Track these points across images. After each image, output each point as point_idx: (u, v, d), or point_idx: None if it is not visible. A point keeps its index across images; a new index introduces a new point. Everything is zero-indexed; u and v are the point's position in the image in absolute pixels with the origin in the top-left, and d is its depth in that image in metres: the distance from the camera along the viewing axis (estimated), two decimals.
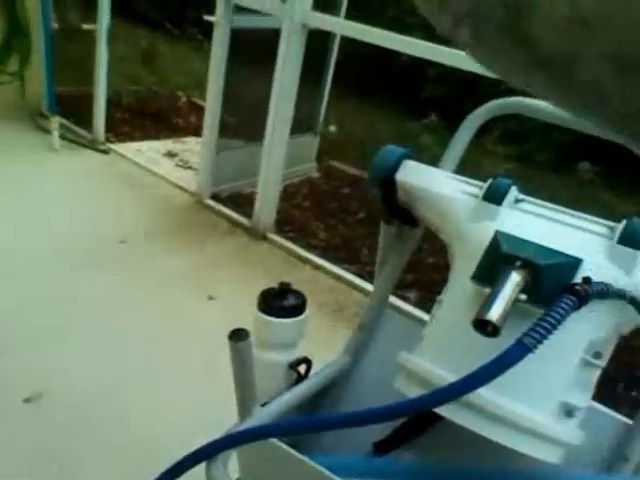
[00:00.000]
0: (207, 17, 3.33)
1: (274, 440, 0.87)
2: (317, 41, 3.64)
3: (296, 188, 4.17)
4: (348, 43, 2.95)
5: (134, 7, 6.91)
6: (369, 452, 1.07)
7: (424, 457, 1.02)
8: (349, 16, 3.87)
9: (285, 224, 3.57)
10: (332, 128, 5.05)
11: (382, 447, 1.07)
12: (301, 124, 3.90)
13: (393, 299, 2.94)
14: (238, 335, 0.87)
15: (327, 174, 4.49)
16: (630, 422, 0.99)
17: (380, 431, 1.05)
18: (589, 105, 0.36)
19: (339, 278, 3.10)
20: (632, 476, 0.96)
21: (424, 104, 5.61)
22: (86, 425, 1.93)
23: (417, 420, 1.03)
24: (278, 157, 3.29)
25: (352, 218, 3.86)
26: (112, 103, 4.45)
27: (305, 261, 3.22)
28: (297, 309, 1.06)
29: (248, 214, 3.45)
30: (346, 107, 5.59)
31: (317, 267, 3.17)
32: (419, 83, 5.96)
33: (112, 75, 4.19)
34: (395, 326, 1.16)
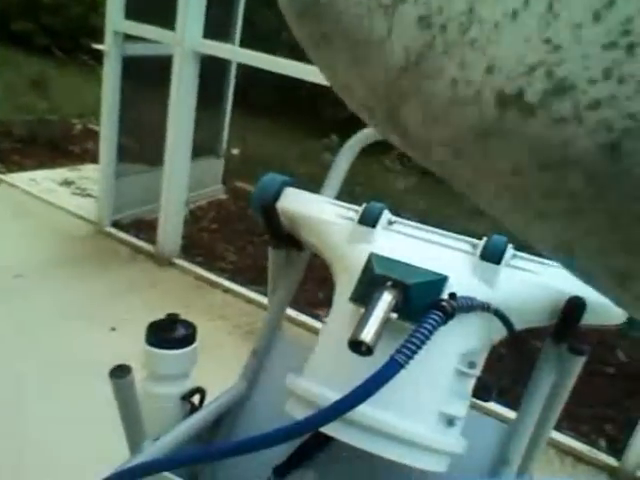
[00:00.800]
0: (96, 45, 3.25)
1: (167, 474, 0.86)
2: (214, 66, 3.64)
3: (203, 211, 4.13)
4: (251, 66, 2.97)
5: (20, 32, 6.65)
6: (269, 477, 1.07)
7: (323, 476, 1.04)
8: (245, 41, 3.91)
9: (193, 248, 3.52)
10: (234, 151, 5.05)
11: (282, 471, 1.07)
12: (203, 147, 3.88)
13: (306, 318, 2.98)
14: (119, 371, 0.85)
15: (234, 195, 4.48)
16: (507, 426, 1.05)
17: (280, 455, 1.05)
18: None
19: (250, 300, 3.09)
20: (514, 478, 1.01)
21: (325, 125, 5.75)
22: None
23: (312, 441, 1.04)
24: (180, 181, 3.25)
25: (260, 239, 3.86)
26: (1, 133, 4.25)
27: (214, 285, 3.19)
28: (186, 339, 1.06)
29: (152, 240, 3.38)
30: (253, 129, 5.63)
31: (227, 290, 3.15)
32: (321, 105, 6.10)
33: (1, 104, 4.01)
34: (288, 350, 1.17)
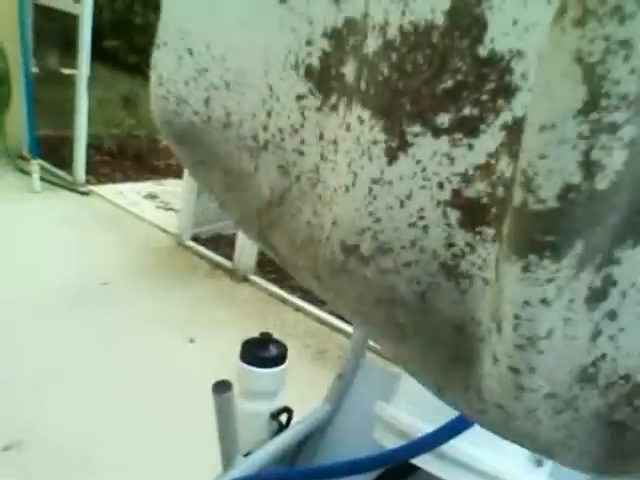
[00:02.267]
0: None
1: None
2: None
3: None
4: None
5: (112, 50, 7.00)
6: None
7: None
8: None
9: (267, 265, 3.60)
10: None
11: None
12: None
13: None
14: (221, 387, 0.90)
15: None
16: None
17: None
18: None
19: (321, 320, 3.12)
20: None
21: None
22: (64, 474, 1.91)
23: (396, 469, 1.06)
24: None
25: None
26: (93, 146, 4.49)
27: (286, 303, 3.24)
28: (278, 359, 1.09)
29: (229, 256, 3.48)
30: None
31: (298, 309, 3.20)
32: None
33: (92, 119, 4.24)
34: (374, 375, 1.19)
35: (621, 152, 0.22)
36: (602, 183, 0.23)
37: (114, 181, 4.47)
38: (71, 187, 4.12)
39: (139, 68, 6.55)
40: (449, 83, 0.29)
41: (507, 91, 0.28)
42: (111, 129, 5.25)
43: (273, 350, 1.09)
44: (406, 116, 0.31)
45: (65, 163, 4.25)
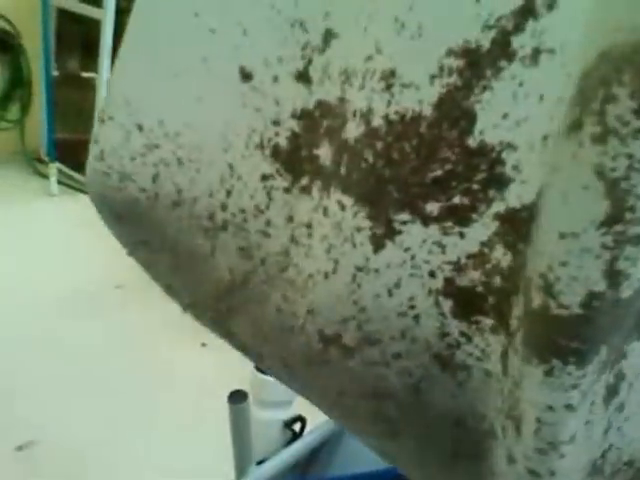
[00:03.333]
0: None
1: None
2: None
3: None
4: None
5: None
6: None
7: None
8: None
9: None
10: None
11: None
12: None
13: None
14: (237, 397, 0.90)
15: None
16: None
17: None
18: None
19: None
20: None
21: None
22: (77, 476, 1.92)
23: None
24: None
25: None
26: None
27: None
28: None
29: None
30: None
31: None
32: None
33: None
34: None
35: None
36: (627, 291, 0.22)
37: None
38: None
39: None
40: (438, 172, 0.28)
41: (499, 182, 0.27)
42: None
43: None
44: (393, 204, 0.30)
45: (83, 167, 4.23)
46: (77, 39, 4.55)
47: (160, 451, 2.09)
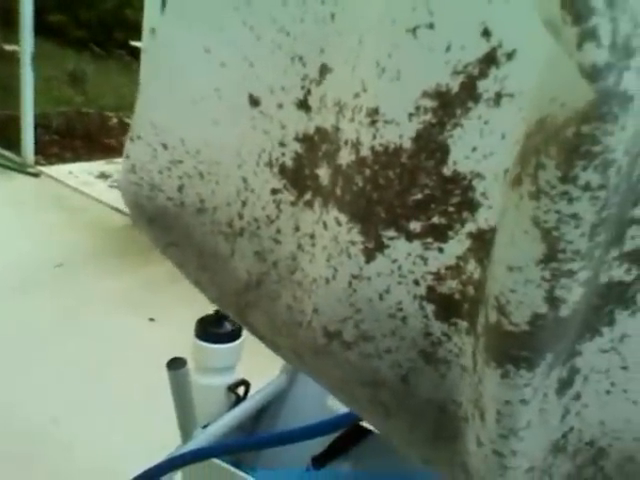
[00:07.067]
0: (134, 43, 3.33)
1: (217, 460, 0.92)
2: None
3: None
4: None
5: (56, 25, 6.77)
6: (308, 466, 1.12)
7: (360, 468, 1.09)
8: None
9: None
10: None
11: (320, 461, 1.13)
12: None
13: None
14: (175, 364, 0.92)
15: None
16: None
17: (317, 445, 1.11)
18: None
19: None
20: None
21: None
22: (32, 456, 1.91)
23: (351, 433, 1.10)
24: None
25: None
26: (40, 125, 4.37)
27: None
28: (234, 334, 1.11)
29: None
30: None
31: None
32: None
33: (39, 97, 4.12)
34: None
35: (579, 289, 0.26)
36: (565, 312, 0.27)
37: (64, 161, 4.37)
38: (20, 168, 4.02)
39: (86, 43, 6.37)
40: (419, 196, 0.32)
41: (471, 205, 0.31)
42: (59, 107, 5.11)
43: (228, 326, 1.11)
44: (381, 222, 0.34)
45: (12, 144, 4.13)
46: None
47: (111, 423, 2.09)
